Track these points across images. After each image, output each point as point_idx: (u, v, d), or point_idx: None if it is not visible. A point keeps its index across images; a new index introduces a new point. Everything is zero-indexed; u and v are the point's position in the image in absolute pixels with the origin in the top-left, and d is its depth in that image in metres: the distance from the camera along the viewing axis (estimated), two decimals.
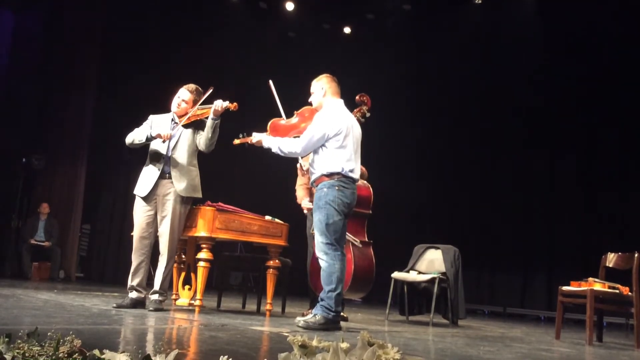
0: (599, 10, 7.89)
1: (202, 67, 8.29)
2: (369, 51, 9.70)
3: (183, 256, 4.61)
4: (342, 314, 4.09)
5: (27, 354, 1.50)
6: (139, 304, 4.00)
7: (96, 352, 1.55)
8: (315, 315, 3.58)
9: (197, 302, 4.04)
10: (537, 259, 8.39)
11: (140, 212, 4.10)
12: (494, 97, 8.92)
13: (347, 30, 10.14)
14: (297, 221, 4.73)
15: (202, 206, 4.09)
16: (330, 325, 3.54)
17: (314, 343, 1.65)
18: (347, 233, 4.02)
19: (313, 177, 3.85)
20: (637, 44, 7.62)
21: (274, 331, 3.25)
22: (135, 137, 4.15)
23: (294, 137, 3.97)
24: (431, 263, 5.41)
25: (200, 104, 4.17)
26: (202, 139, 4.11)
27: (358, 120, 4.29)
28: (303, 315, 4.14)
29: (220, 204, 4.13)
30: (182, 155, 4.12)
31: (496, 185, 8.77)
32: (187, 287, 4.65)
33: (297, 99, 4.31)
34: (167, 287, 4.13)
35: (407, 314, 5.41)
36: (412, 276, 5.22)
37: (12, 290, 4.95)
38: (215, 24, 9.38)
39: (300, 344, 1.64)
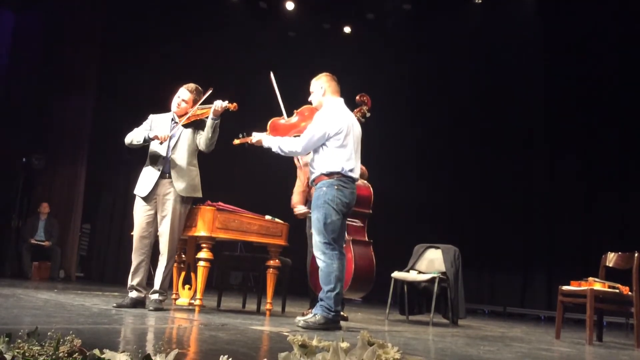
0: (599, 10, 7.90)
1: (202, 67, 8.28)
2: (369, 51, 9.70)
3: (183, 256, 4.61)
4: (342, 313, 4.09)
5: (27, 354, 1.50)
6: (139, 303, 4.00)
7: (96, 351, 1.55)
8: (315, 315, 3.57)
9: (197, 302, 4.04)
10: (537, 258, 8.39)
11: (141, 212, 4.10)
12: (494, 97, 8.91)
13: (347, 30, 10.15)
14: (297, 221, 4.73)
15: (202, 206, 4.09)
16: (330, 324, 3.54)
17: (314, 343, 1.65)
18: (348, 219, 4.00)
19: (312, 176, 3.85)
20: (637, 44, 7.62)
21: (274, 331, 3.25)
22: (133, 137, 4.15)
23: (294, 136, 3.97)
24: (431, 263, 5.41)
25: (200, 104, 4.17)
26: (202, 139, 4.12)
27: (358, 120, 4.29)
28: (303, 315, 4.14)
29: (220, 203, 4.13)
30: (182, 155, 4.13)
31: (496, 185, 8.77)
32: (187, 286, 4.65)
33: (297, 98, 4.31)
34: (167, 286, 4.13)
35: (407, 314, 5.41)
36: (412, 276, 5.22)
37: (12, 289, 4.96)
38: (215, 24, 9.37)
39: (300, 343, 1.65)
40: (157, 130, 4.14)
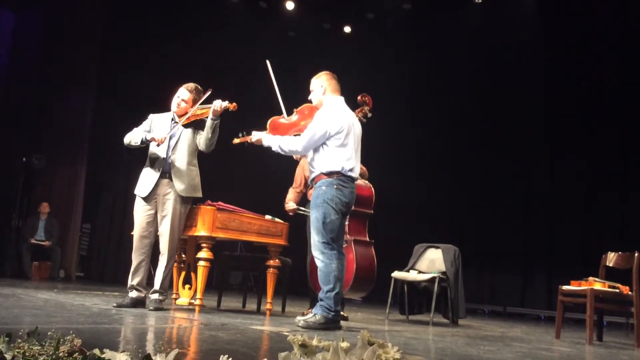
0: (599, 10, 7.90)
1: (202, 67, 8.28)
2: (369, 51, 9.70)
3: (183, 255, 4.61)
4: (342, 313, 4.09)
5: (27, 354, 1.50)
6: (139, 303, 4.00)
7: (96, 351, 1.55)
8: (315, 314, 3.57)
9: (197, 302, 4.04)
10: (537, 258, 8.39)
11: (141, 212, 4.11)
12: (494, 97, 8.91)
13: (347, 30, 10.15)
14: (297, 221, 4.74)
15: (202, 206, 4.09)
16: (330, 324, 3.54)
17: (314, 342, 1.65)
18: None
19: (312, 175, 3.84)
20: (637, 44, 7.63)
21: (274, 330, 3.25)
22: (132, 138, 4.14)
23: (294, 135, 3.96)
24: (431, 262, 5.41)
25: (200, 104, 4.17)
26: (202, 139, 4.11)
27: (360, 120, 4.28)
28: (303, 314, 4.13)
29: (220, 203, 4.13)
30: (182, 155, 4.12)
31: (496, 185, 8.77)
32: (187, 286, 4.65)
33: (297, 98, 4.30)
34: (167, 286, 4.13)
35: (407, 314, 5.41)
36: (412, 275, 5.22)
37: (12, 289, 4.95)
38: (215, 23, 9.37)
39: (300, 343, 1.64)
40: (157, 130, 4.14)
